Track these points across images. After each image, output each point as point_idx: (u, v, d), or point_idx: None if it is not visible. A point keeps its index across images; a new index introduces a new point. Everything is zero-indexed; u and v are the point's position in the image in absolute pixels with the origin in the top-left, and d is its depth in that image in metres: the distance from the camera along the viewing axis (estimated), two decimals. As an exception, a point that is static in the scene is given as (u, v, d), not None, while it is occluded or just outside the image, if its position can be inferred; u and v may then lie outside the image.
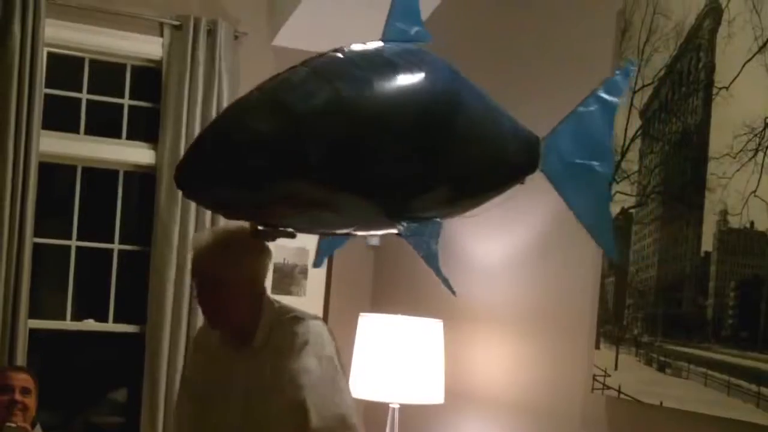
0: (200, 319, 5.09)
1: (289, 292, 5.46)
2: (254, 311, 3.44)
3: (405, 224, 2.89)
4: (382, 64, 2.82)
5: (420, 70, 2.88)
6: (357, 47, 2.84)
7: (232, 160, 2.59)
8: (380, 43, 2.90)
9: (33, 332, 5.07)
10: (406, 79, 2.83)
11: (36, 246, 5.02)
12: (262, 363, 3.41)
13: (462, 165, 2.94)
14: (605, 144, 3.35)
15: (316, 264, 3.17)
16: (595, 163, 3.29)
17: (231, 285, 3.36)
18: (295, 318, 3.47)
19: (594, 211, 3.30)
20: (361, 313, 4.84)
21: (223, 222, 5.10)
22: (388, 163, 2.75)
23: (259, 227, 2.90)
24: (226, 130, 2.66)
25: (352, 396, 3.49)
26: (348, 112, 2.67)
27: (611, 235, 3.36)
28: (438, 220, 2.98)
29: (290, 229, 2.90)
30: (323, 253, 3.16)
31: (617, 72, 3.38)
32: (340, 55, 2.80)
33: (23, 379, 4.44)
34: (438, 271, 2.97)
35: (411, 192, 2.86)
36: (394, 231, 2.94)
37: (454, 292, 3.06)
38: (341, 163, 2.65)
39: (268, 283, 4.79)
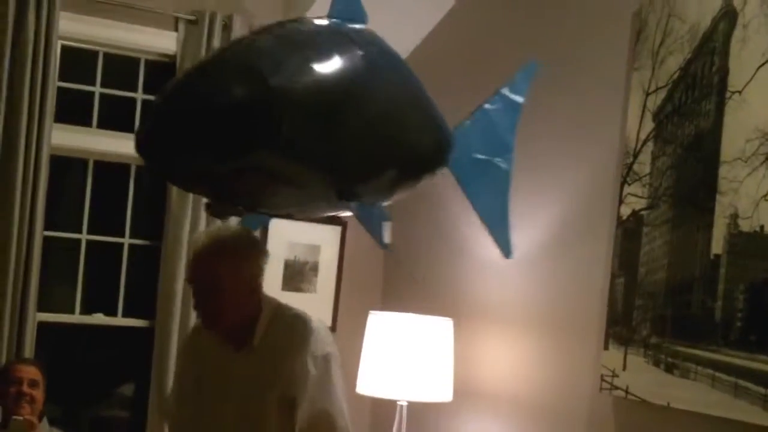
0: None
1: (299, 289, 5.46)
2: (252, 311, 3.44)
3: (355, 205, 2.84)
4: (341, 35, 2.77)
5: (374, 46, 2.86)
6: (313, 19, 2.80)
7: (206, 127, 2.47)
8: (332, 19, 2.85)
9: (42, 325, 5.08)
10: (366, 55, 2.80)
11: (46, 239, 5.03)
12: (260, 361, 3.42)
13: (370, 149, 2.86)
14: (508, 141, 3.34)
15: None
16: (497, 159, 3.27)
17: (228, 287, 3.35)
18: (294, 316, 3.49)
19: (494, 207, 3.28)
20: (371, 311, 4.84)
21: (218, 223, 5.14)
22: (350, 138, 2.68)
23: (211, 203, 2.81)
24: (199, 95, 2.52)
25: (344, 397, 3.49)
26: (319, 82, 2.58)
27: (509, 233, 3.34)
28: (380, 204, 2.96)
29: (240, 207, 2.84)
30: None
31: (519, 71, 3.36)
32: (299, 25, 2.74)
33: (31, 372, 4.45)
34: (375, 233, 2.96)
35: (364, 170, 2.80)
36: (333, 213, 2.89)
37: (385, 246, 3.10)
38: (312, 135, 2.56)
39: (279, 280, 4.82)
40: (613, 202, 4.12)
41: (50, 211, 5.04)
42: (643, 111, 4.00)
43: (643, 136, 4.00)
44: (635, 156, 4.01)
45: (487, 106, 3.30)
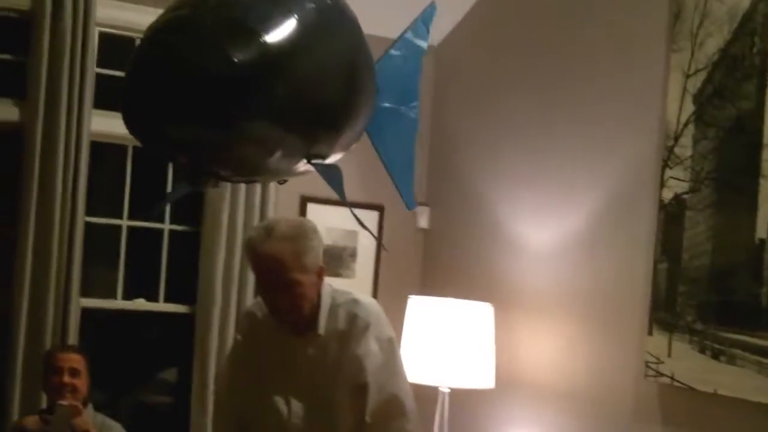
0: (249, 299, 5.15)
1: (338, 275, 5.46)
2: (317, 298, 3.44)
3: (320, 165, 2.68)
4: None
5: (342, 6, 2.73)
6: None
7: (206, 92, 2.26)
8: None
9: (85, 311, 5.10)
10: (339, 13, 2.70)
11: (87, 225, 5.05)
12: (325, 348, 3.42)
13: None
14: (413, 88, 3.21)
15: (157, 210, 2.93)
16: (404, 107, 3.17)
17: (305, 282, 3.35)
18: (353, 301, 3.48)
19: (400, 157, 3.18)
20: (410, 296, 4.84)
21: (271, 215, 5.14)
22: (330, 98, 2.54)
23: (200, 175, 2.60)
24: (192, 57, 2.27)
25: (407, 379, 3.50)
26: (308, 41, 2.42)
27: (412, 183, 3.25)
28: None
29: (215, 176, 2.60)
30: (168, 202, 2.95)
31: (420, 15, 3.24)
32: None
33: (72, 359, 4.42)
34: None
35: (337, 131, 2.66)
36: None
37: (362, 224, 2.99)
38: (303, 99, 2.41)
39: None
40: (654, 186, 4.10)
41: (91, 197, 5.06)
42: (683, 93, 3.97)
43: (683, 119, 3.96)
44: (676, 139, 3.98)
45: (391, 51, 3.16)
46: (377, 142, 3.10)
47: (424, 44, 3.19)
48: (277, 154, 2.46)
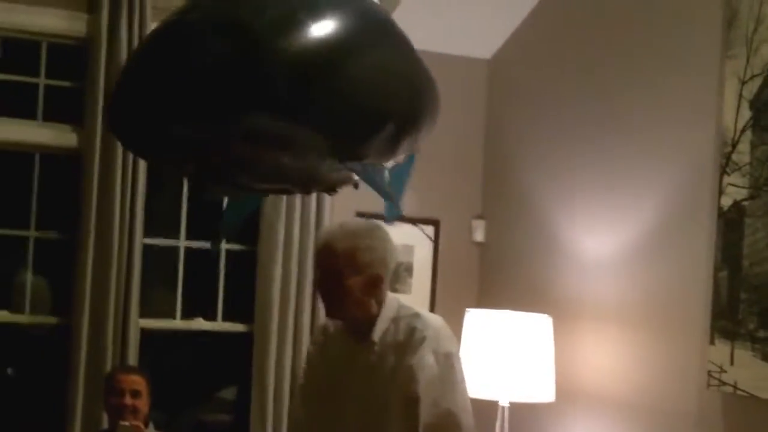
0: (307, 317, 5.17)
1: (394, 290, 5.37)
2: (374, 306, 3.42)
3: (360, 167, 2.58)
4: None
5: None
6: None
7: (196, 90, 2.22)
8: None
9: (144, 332, 5.14)
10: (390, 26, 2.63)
11: (145, 246, 5.10)
12: (383, 357, 3.42)
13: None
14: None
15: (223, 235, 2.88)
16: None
17: (354, 282, 3.35)
18: (415, 315, 3.47)
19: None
20: (468, 309, 4.83)
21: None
22: (349, 94, 2.41)
23: (197, 183, 2.59)
24: (175, 55, 2.24)
25: (468, 396, 3.46)
26: (311, 30, 2.32)
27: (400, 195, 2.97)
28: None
29: (229, 186, 2.57)
30: (229, 225, 2.93)
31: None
32: None
33: (133, 381, 4.46)
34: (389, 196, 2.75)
35: (365, 127, 2.52)
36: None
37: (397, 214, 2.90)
38: (309, 93, 2.30)
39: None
40: (712, 193, 4.06)
41: (148, 219, 5.10)
42: (740, 100, 3.94)
43: (740, 126, 3.93)
44: (734, 146, 3.94)
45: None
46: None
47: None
48: (287, 156, 2.37)
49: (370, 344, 3.43)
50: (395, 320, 3.45)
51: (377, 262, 3.40)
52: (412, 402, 3.34)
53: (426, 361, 3.36)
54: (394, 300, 3.50)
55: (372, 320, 3.43)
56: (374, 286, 3.41)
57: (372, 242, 3.38)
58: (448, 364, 3.41)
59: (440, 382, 3.37)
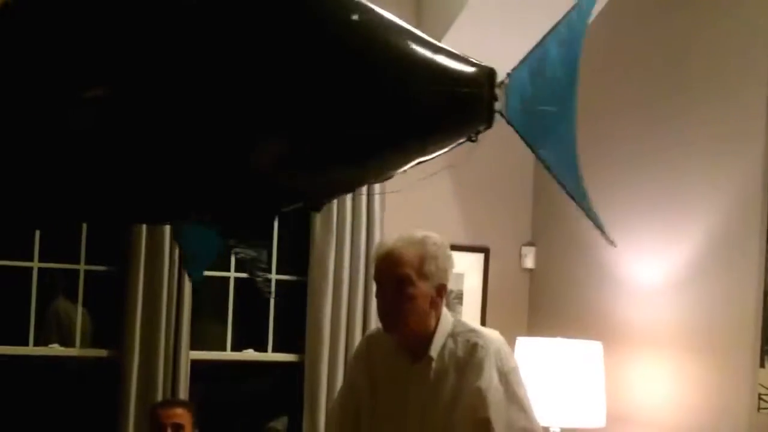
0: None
1: (444, 317, 5.43)
2: (432, 322, 3.30)
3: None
4: None
5: None
6: None
7: None
8: None
9: (195, 363, 5.16)
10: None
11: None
12: (440, 376, 3.29)
13: None
14: (570, 87, 2.98)
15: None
16: (560, 108, 2.95)
17: (420, 289, 3.23)
18: (472, 330, 3.35)
19: (564, 159, 2.96)
20: (518, 337, 4.81)
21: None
22: None
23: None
24: None
25: (532, 407, 3.33)
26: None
27: (580, 179, 2.98)
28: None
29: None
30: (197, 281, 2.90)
31: (572, 8, 2.90)
32: None
33: (176, 414, 4.40)
34: None
35: None
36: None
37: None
38: None
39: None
40: (761, 216, 4.04)
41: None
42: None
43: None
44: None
45: (540, 50, 2.84)
46: (538, 148, 2.88)
47: (580, 37, 2.97)
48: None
49: (427, 362, 3.30)
50: (453, 336, 3.31)
51: (442, 271, 3.29)
52: (480, 425, 3.21)
53: (493, 381, 3.23)
54: (449, 315, 3.37)
55: (429, 336, 3.29)
56: (439, 296, 3.30)
57: (437, 251, 3.27)
58: (514, 380, 3.29)
59: (509, 402, 3.24)
